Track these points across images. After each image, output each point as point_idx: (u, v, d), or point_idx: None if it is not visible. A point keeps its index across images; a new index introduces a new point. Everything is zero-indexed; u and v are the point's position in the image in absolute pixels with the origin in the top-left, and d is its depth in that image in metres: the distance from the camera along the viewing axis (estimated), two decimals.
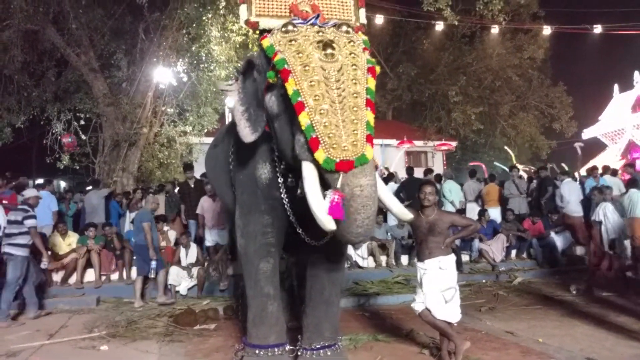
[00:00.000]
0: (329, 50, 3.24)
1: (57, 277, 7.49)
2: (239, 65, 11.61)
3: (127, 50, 12.50)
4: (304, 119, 3.10)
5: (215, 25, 11.36)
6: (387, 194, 3.63)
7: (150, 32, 11.79)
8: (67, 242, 7.68)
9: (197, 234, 8.37)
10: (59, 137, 11.93)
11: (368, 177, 3.08)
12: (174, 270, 7.22)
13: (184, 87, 12.37)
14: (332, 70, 3.20)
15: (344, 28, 3.48)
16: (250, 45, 11.80)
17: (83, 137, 12.31)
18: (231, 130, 4.66)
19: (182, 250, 7.57)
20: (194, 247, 7.69)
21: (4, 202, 7.59)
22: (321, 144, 3.04)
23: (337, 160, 3.00)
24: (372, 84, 3.33)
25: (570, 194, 9.49)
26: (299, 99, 3.13)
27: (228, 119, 12.63)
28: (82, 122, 12.48)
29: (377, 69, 3.46)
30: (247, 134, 3.66)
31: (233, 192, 4.43)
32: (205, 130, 12.95)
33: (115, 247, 7.67)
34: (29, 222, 6.23)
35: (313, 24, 3.51)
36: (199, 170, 9.28)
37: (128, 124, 11.29)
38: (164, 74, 11.65)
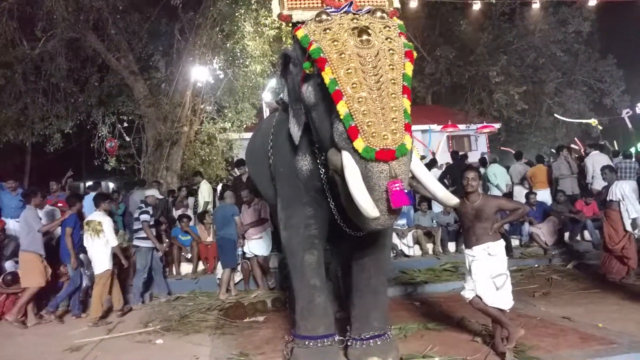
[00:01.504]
0: (365, 37, 3.19)
1: None
2: (274, 59, 11.71)
3: (165, 51, 12.82)
4: (342, 108, 3.07)
5: (249, 21, 11.43)
6: (431, 179, 3.55)
7: (185, 32, 12.00)
8: (119, 241, 7.92)
9: None
10: (104, 141, 12.38)
11: (403, 167, 3.04)
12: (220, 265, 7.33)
13: (221, 84, 12.54)
14: (368, 57, 3.14)
15: (379, 14, 3.42)
16: (283, 38, 11.81)
17: (127, 138, 12.72)
18: (269, 124, 4.70)
19: None
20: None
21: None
22: (360, 132, 3.00)
23: (377, 149, 2.95)
24: (409, 69, 3.26)
25: (594, 168, 8.96)
26: (337, 87, 3.10)
27: (266, 113, 12.72)
28: (125, 124, 12.90)
29: (414, 53, 3.38)
30: (295, 133, 3.69)
31: (274, 185, 4.44)
32: (245, 126, 13.10)
33: None
34: (142, 217, 6.97)
35: (347, 12, 3.46)
36: None
37: (169, 123, 11.55)
38: (201, 72, 11.84)
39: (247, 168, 6.93)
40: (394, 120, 3.02)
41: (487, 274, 3.95)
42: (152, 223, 7.09)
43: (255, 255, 7.26)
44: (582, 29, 18.38)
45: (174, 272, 7.87)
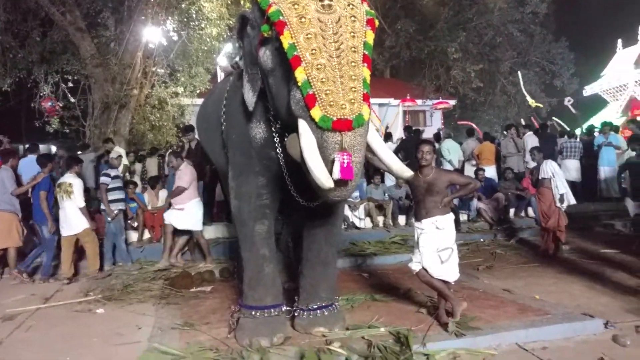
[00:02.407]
0: (326, 1, 3.07)
1: None
2: (231, 22, 11.30)
3: (114, 9, 12.06)
4: (300, 75, 2.95)
5: None
6: (386, 151, 3.54)
7: None
8: None
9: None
10: (40, 101, 11.64)
11: (359, 138, 2.98)
12: None
13: (174, 46, 12.02)
14: (329, 22, 3.02)
15: None
16: (242, 2, 11.39)
17: (72, 99, 12.04)
18: (223, 89, 4.51)
19: None
20: None
21: None
22: (318, 101, 2.91)
23: (334, 118, 2.88)
24: (370, 37, 3.17)
25: (528, 148, 9.35)
26: (295, 52, 2.97)
27: (220, 79, 12.35)
28: (70, 84, 12.19)
29: (376, 21, 3.29)
30: (250, 99, 3.55)
31: (226, 153, 4.30)
32: (198, 91, 12.69)
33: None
34: (101, 179, 7.02)
35: None
36: None
37: (118, 85, 10.99)
38: (153, 33, 11.29)
39: (198, 134, 6.69)
40: (353, 89, 2.95)
41: (434, 247, 4.00)
42: (111, 186, 6.97)
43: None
44: (539, 10, 18.70)
45: None
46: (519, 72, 18.31)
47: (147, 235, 7.70)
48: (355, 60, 3.01)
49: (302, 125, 3.01)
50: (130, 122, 11.50)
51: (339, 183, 2.95)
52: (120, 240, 6.98)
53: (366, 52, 3.10)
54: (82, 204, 6.33)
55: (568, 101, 17.79)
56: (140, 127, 11.81)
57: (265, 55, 3.27)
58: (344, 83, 2.94)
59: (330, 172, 2.92)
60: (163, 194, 8.00)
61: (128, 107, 11.29)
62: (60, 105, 11.88)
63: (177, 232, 6.89)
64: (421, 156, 4.06)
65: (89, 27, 11.62)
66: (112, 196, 6.93)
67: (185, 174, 6.71)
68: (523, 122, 11.42)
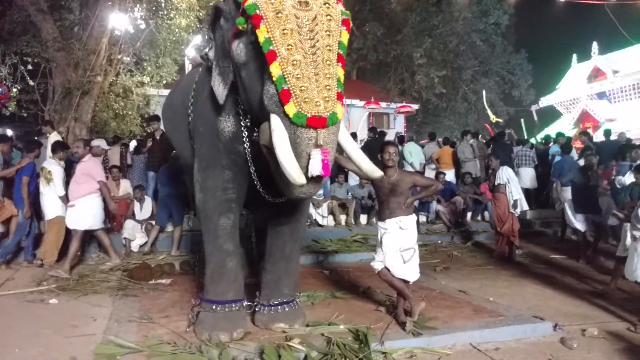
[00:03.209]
0: None
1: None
2: (201, 14, 11.11)
3: None
4: (275, 69, 2.95)
5: None
6: (357, 151, 3.57)
7: None
8: None
9: (155, 187, 8.11)
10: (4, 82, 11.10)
11: (332, 136, 3.01)
12: (129, 224, 7.02)
13: (142, 35, 11.70)
14: (305, 19, 3.04)
15: None
16: None
17: (31, 82, 11.53)
18: (191, 80, 4.46)
19: (137, 205, 7.36)
20: (148, 201, 7.50)
21: None
22: (292, 96, 2.91)
23: (309, 115, 2.89)
24: (345, 37, 3.20)
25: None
26: (271, 47, 2.97)
27: (188, 70, 12.13)
28: (29, 67, 11.66)
29: (351, 22, 3.33)
30: (220, 92, 3.51)
31: (192, 145, 4.26)
32: (164, 82, 12.40)
33: None
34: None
35: None
36: None
37: (81, 71, 10.59)
38: (120, 20, 10.94)
39: (164, 125, 6.58)
40: (327, 87, 2.97)
41: (397, 247, 4.08)
42: None
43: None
44: (501, 22, 19.29)
45: None
46: (484, 91, 18.88)
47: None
48: (330, 59, 3.04)
49: (275, 120, 3.01)
50: (92, 110, 11.10)
51: (310, 179, 2.98)
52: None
53: (340, 52, 3.13)
54: (62, 192, 6.22)
55: (534, 107, 18.44)
56: (103, 115, 11.43)
57: (239, 48, 3.25)
58: (319, 80, 2.96)
59: (305, 168, 2.94)
60: (125, 183, 7.87)
61: (91, 94, 10.90)
62: (18, 87, 11.34)
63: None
64: (388, 157, 4.15)
65: (52, 9, 11.11)
66: None
67: (95, 168, 6.22)
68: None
